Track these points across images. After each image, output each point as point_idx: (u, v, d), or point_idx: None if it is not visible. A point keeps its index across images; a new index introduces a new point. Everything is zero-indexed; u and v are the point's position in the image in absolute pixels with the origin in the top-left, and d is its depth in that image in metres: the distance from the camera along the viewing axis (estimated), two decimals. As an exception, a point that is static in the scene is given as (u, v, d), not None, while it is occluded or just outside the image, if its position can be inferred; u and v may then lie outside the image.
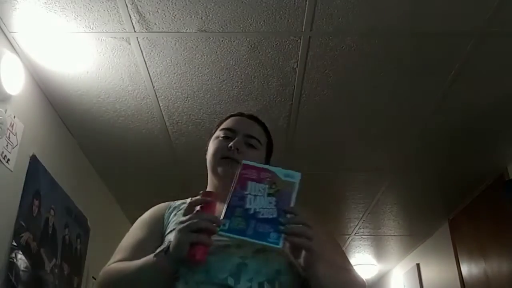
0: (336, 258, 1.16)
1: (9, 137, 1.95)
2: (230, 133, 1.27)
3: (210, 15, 1.86)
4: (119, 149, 2.80)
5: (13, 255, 1.96)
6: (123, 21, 1.87)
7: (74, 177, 2.71)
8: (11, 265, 1.94)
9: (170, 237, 1.08)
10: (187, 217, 1.04)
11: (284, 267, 1.06)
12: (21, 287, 2.00)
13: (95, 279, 2.97)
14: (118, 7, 1.81)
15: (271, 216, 0.99)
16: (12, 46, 1.99)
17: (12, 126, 1.99)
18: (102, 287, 1.11)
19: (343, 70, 2.16)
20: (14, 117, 2.01)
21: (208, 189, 1.30)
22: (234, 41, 2.00)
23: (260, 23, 1.90)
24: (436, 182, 3.22)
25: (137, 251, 1.14)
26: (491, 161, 2.94)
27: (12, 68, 1.97)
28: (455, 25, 1.90)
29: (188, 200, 1.18)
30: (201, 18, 1.88)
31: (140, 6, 1.81)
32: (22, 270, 2.02)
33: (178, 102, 2.40)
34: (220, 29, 1.93)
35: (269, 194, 1.03)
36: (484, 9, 1.82)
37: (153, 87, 2.27)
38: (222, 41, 2.00)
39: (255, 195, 1.03)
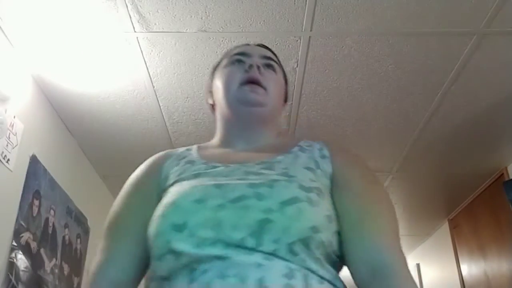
0: None
1: (9, 137, 1.95)
2: (243, 57, 1.01)
3: (210, 15, 1.86)
4: (119, 149, 2.80)
5: (13, 255, 1.96)
6: (123, 21, 1.87)
7: (74, 177, 2.71)
8: (11, 265, 1.94)
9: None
10: None
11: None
12: (21, 287, 2.00)
13: (95, 279, 2.96)
14: (118, 7, 1.81)
15: None
16: (12, 46, 1.99)
17: (12, 126, 1.99)
18: None
19: (343, 70, 2.16)
20: (14, 117, 2.01)
21: (218, 137, 1.08)
22: (234, 41, 2.00)
23: (260, 23, 1.90)
24: (436, 182, 3.22)
25: (117, 235, 0.94)
26: (491, 161, 2.94)
27: (12, 68, 1.97)
28: (455, 25, 1.90)
29: (194, 147, 1.06)
30: (201, 18, 1.88)
31: (140, 6, 1.81)
32: (22, 270, 2.02)
33: (178, 102, 2.40)
34: (220, 29, 1.93)
35: None
36: (484, 9, 1.82)
37: (153, 87, 2.27)
38: (222, 41, 2.00)
39: None
